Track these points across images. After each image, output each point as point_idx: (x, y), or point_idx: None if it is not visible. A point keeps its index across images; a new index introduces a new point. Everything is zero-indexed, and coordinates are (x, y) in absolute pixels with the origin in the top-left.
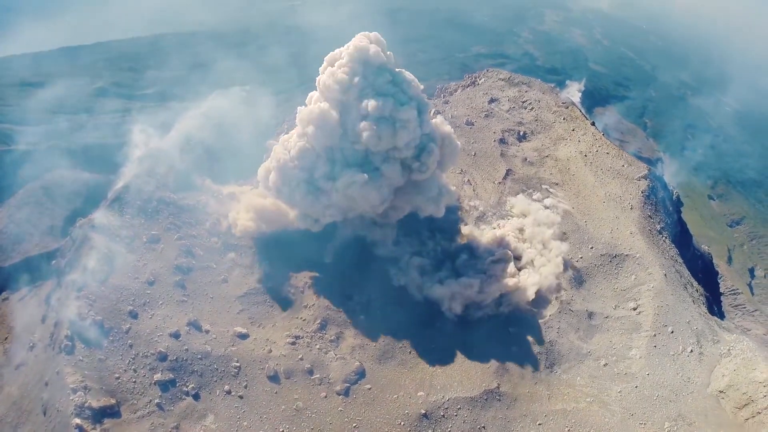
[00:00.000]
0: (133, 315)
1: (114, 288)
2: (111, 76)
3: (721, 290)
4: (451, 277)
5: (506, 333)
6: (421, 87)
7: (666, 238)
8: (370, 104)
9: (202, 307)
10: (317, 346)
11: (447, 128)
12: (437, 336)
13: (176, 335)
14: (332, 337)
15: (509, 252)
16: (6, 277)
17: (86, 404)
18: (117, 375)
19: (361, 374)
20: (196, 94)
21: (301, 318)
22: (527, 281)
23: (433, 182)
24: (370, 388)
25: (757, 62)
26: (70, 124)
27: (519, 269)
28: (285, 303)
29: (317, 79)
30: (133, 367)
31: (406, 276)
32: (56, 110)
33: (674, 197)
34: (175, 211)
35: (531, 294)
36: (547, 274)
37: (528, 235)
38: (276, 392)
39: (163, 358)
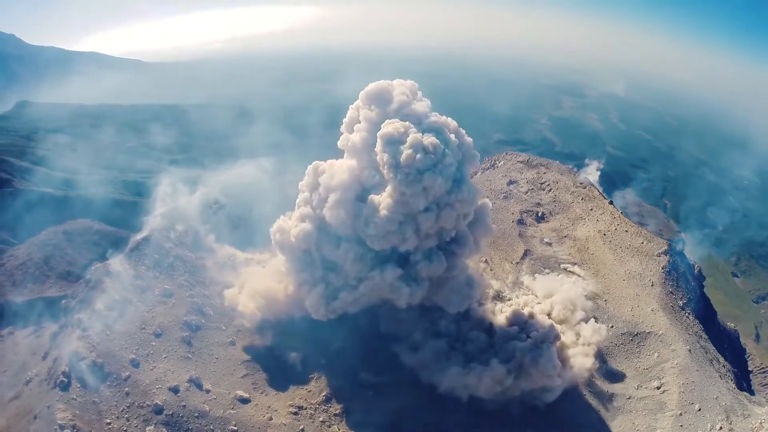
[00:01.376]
0: (135, 364)
1: (120, 334)
2: (144, 137)
3: (750, 369)
4: (465, 362)
5: (521, 418)
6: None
7: (689, 314)
8: (436, 187)
9: (206, 367)
10: (320, 419)
11: (484, 201)
12: (449, 416)
13: (175, 390)
14: (337, 411)
15: (557, 332)
16: (15, 312)
17: None
18: (108, 421)
19: None
20: (223, 162)
21: (307, 389)
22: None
23: (462, 274)
24: None
25: None
26: (100, 177)
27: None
28: (291, 373)
29: (345, 128)
30: (126, 416)
31: (417, 357)
32: (90, 161)
33: (696, 272)
34: (191, 269)
35: (557, 393)
36: (580, 367)
37: (557, 317)
38: None
39: (158, 411)
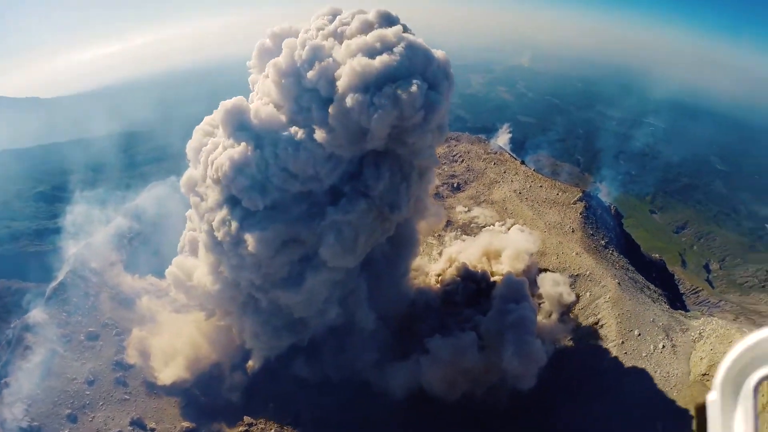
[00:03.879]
0: (72, 419)
1: (51, 390)
2: (52, 179)
3: (682, 291)
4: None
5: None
6: None
7: (613, 251)
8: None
9: (146, 404)
10: (272, 430)
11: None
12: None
13: None
14: (288, 421)
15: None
16: None
17: None
18: None
19: None
20: (135, 188)
21: (255, 405)
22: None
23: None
24: None
25: (675, 80)
26: (11, 230)
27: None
28: (237, 391)
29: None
30: None
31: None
32: None
33: (613, 212)
34: (113, 306)
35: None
36: (552, 336)
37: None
38: None
39: None
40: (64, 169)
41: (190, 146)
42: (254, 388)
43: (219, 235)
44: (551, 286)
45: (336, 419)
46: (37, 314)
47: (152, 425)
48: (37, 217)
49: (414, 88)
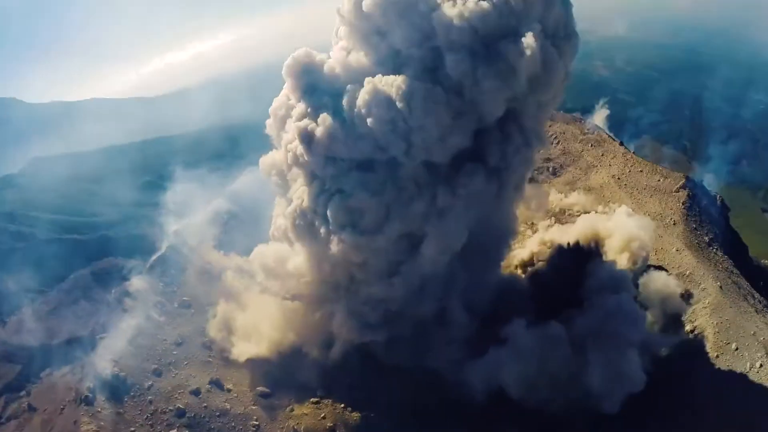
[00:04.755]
0: (157, 373)
1: (141, 347)
2: (158, 170)
3: None
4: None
5: None
6: None
7: (717, 249)
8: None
9: (227, 368)
10: (342, 405)
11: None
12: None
13: (196, 393)
14: (361, 397)
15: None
16: (51, 354)
17: None
18: (133, 429)
19: None
20: (232, 175)
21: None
22: None
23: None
24: None
25: None
26: (120, 215)
27: None
28: (313, 371)
29: None
30: (150, 422)
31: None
32: (109, 203)
33: (719, 203)
34: (207, 279)
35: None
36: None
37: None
38: None
39: (181, 414)
40: (169, 160)
41: (270, 124)
42: (331, 368)
43: (298, 234)
44: (660, 288)
45: (408, 405)
46: (136, 282)
47: (229, 386)
48: (145, 204)
49: (530, 41)
